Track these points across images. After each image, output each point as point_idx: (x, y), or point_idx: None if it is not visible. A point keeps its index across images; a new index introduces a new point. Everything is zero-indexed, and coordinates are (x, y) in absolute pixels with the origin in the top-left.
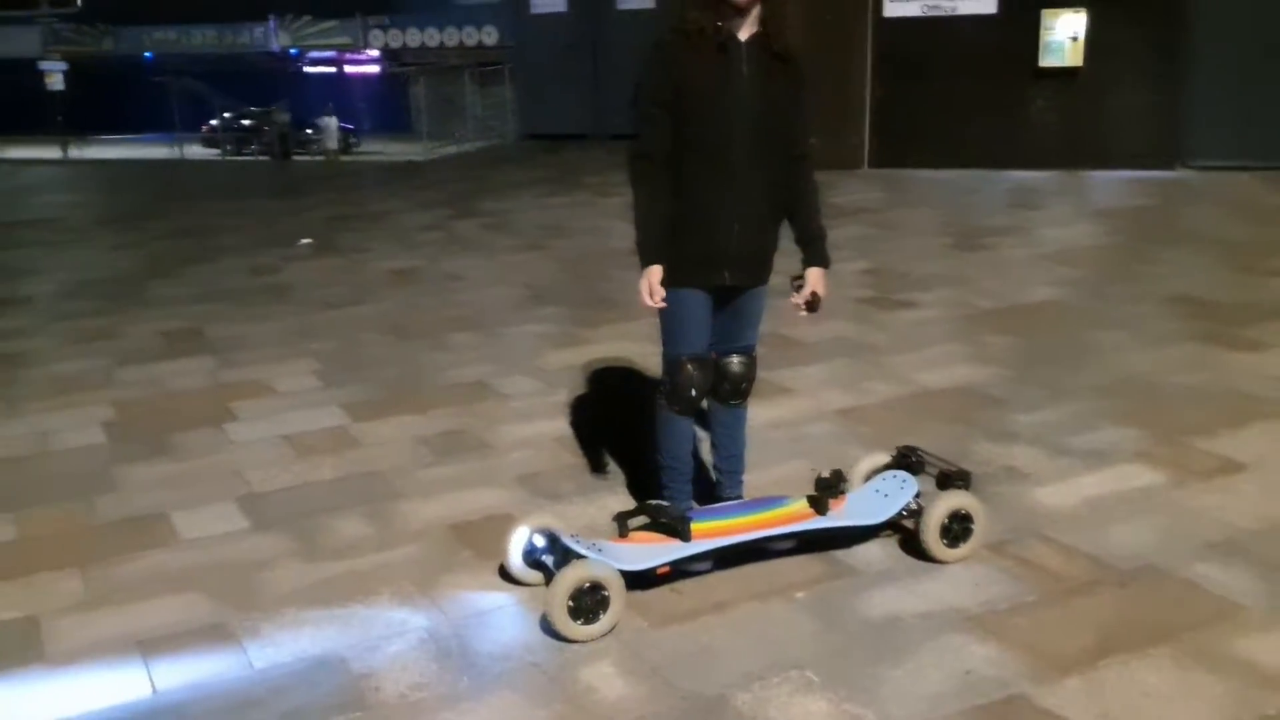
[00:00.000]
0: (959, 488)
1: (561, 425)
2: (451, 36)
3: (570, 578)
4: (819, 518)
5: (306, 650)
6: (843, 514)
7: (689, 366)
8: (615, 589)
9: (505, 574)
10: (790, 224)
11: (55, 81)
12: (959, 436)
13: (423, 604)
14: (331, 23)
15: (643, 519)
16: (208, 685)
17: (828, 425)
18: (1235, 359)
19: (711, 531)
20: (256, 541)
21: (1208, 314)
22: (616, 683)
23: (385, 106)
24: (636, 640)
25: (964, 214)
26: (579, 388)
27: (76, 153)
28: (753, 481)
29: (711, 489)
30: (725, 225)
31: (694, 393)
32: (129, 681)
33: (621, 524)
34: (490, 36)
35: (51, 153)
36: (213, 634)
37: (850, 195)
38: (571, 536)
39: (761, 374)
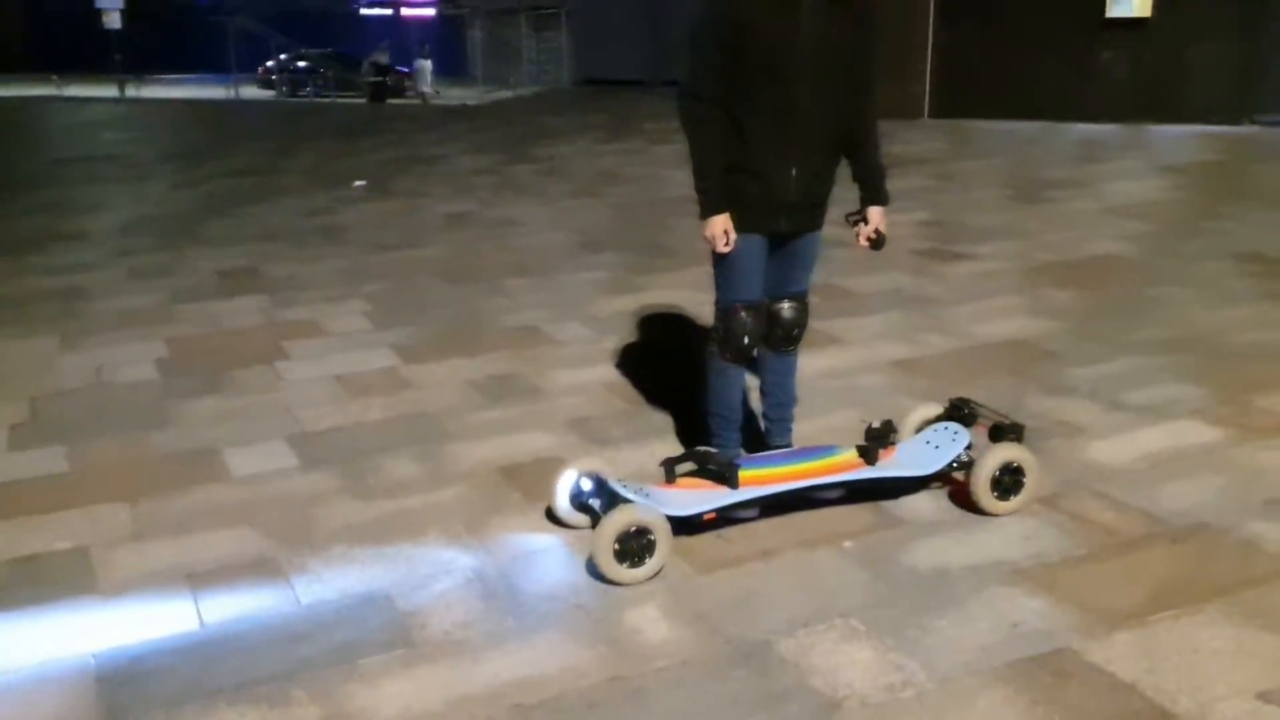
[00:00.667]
0: (1011, 440)
1: (612, 371)
2: None
3: (617, 521)
4: (868, 468)
5: (353, 587)
6: (892, 464)
7: (743, 313)
8: (661, 534)
9: (552, 516)
10: (850, 162)
11: (112, 20)
12: (1013, 390)
13: (470, 544)
14: None
15: (690, 465)
16: (254, 619)
17: (880, 376)
18: None
19: (759, 479)
20: (306, 479)
21: (1274, 272)
22: (661, 626)
23: (441, 50)
24: (682, 585)
25: (1026, 166)
26: (631, 335)
27: (133, 92)
28: (802, 430)
29: (760, 437)
30: (784, 171)
31: (747, 340)
32: (178, 614)
33: (669, 470)
34: None
35: (109, 91)
36: (261, 569)
37: (910, 145)
38: (619, 481)
39: (814, 324)
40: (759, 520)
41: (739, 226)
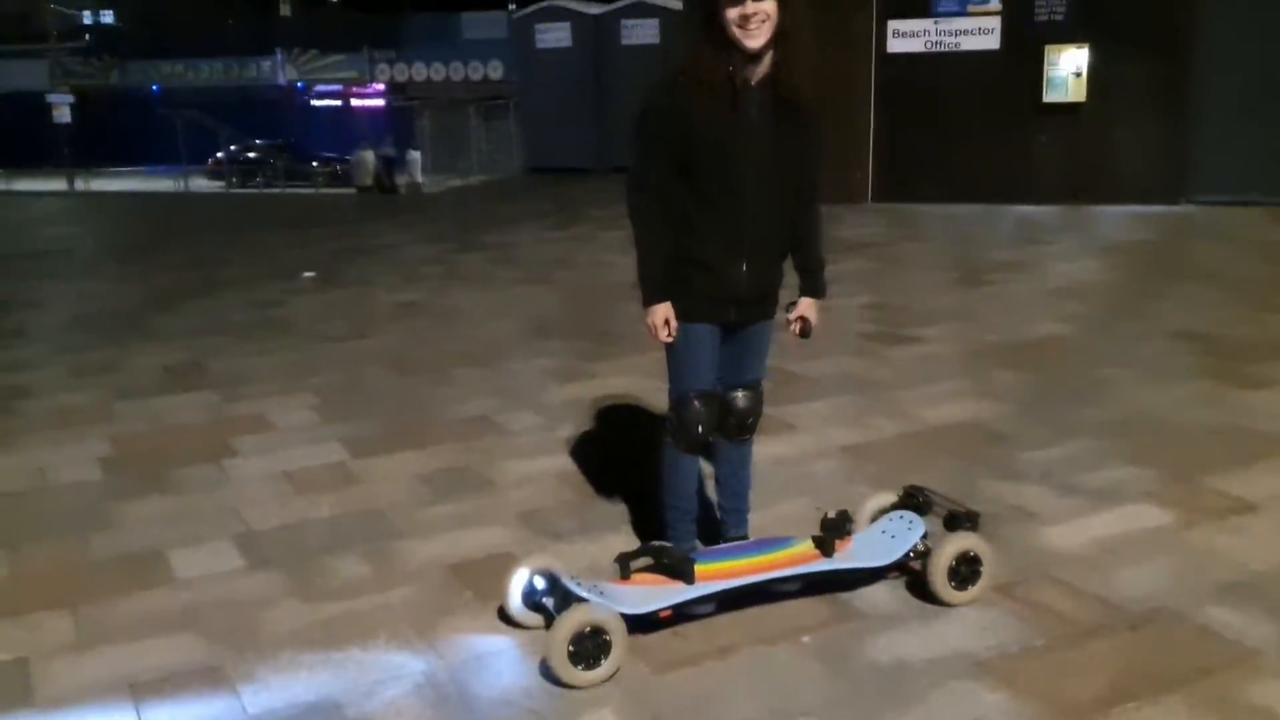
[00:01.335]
0: (967, 528)
1: (564, 461)
2: (457, 71)
3: (571, 622)
4: (825, 559)
5: (301, 695)
6: (849, 555)
7: (696, 403)
8: (617, 633)
9: (505, 616)
10: (793, 253)
11: (62, 114)
12: (965, 474)
13: (420, 647)
14: (339, 57)
15: (645, 560)
16: None
17: (833, 462)
18: (1244, 396)
19: (716, 574)
20: (253, 581)
21: (1216, 351)
22: None
23: (391, 140)
24: (638, 686)
25: (968, 248)
26: (583, 423)
27: (83, 185)
28: (757, 521)
29: (716, 528)
30: (734, 265)
31: (701, 429)
32: None
33: (624, 565)
34: (496, 71)
35: (58, 185)
36: (207, 677)
37: (854, 229)
38: (572, 578)
39: (766, 409)
40: (716, 615)
41: (689, 316)
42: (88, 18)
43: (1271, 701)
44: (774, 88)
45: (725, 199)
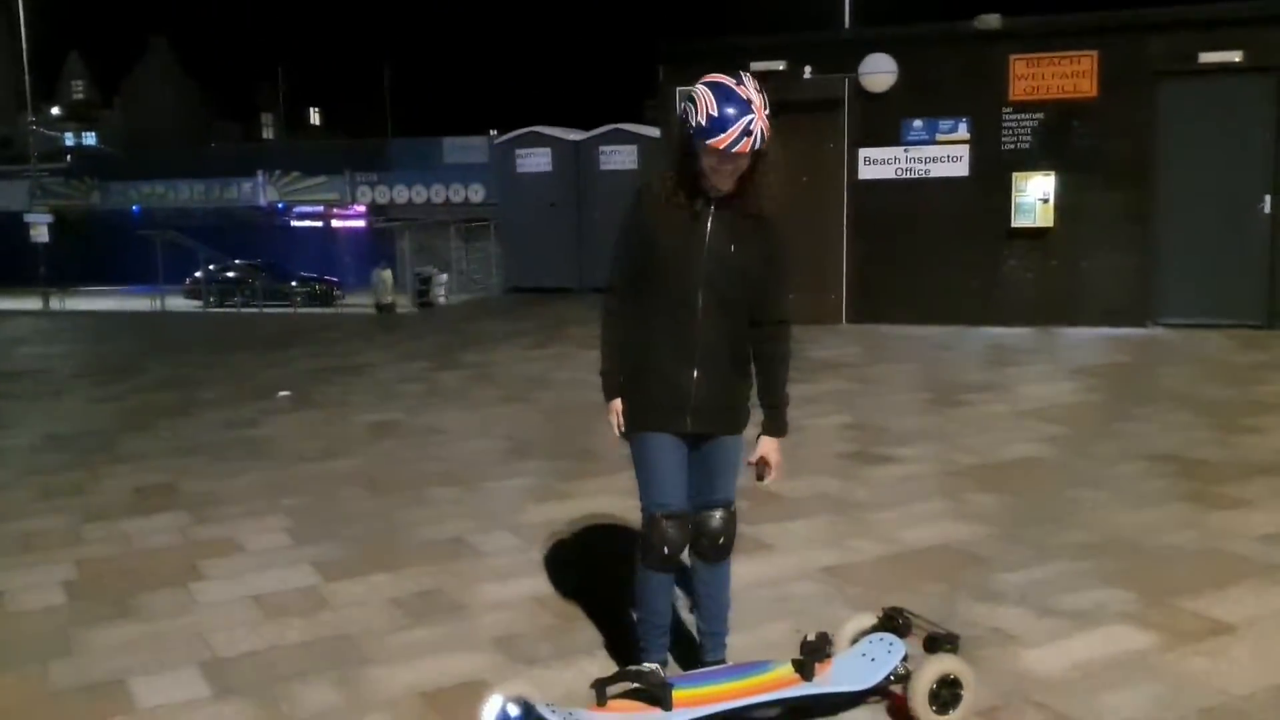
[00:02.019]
0: (947, 651)
1: (541, 584)
2: (439, 193)
3: None
4: (805, 684)
5: None
6: (829, 679)
7: (665, 523)
8: None
9: None
10: (756, 385)
11: (40, 234)
12: (944, 596)
13: None
14: (320, 178)
15: (623, 686)
16: None
17: (812, 585)
18: (1218, 518)
19: (694, 699)
20: (217, 710)
21: (1189, 472)
22: None
23: (371, 260)
24: None
25: (942, 370)
26: (559, 544)
27: (58, 304)
28: (736, 642)
29: (695, 651)
30: (685, 373)
31: (668, 550)
32: None
33: (600, 691)
34: (476, 194)
35: (34, 304)
36: None
37: (829, 350)
38: (548, 705)
39: (743, 529)
40: None
41: (647, 424)
42: (70, 140)
43: None
44: (740, 202)
45: (679, 309)
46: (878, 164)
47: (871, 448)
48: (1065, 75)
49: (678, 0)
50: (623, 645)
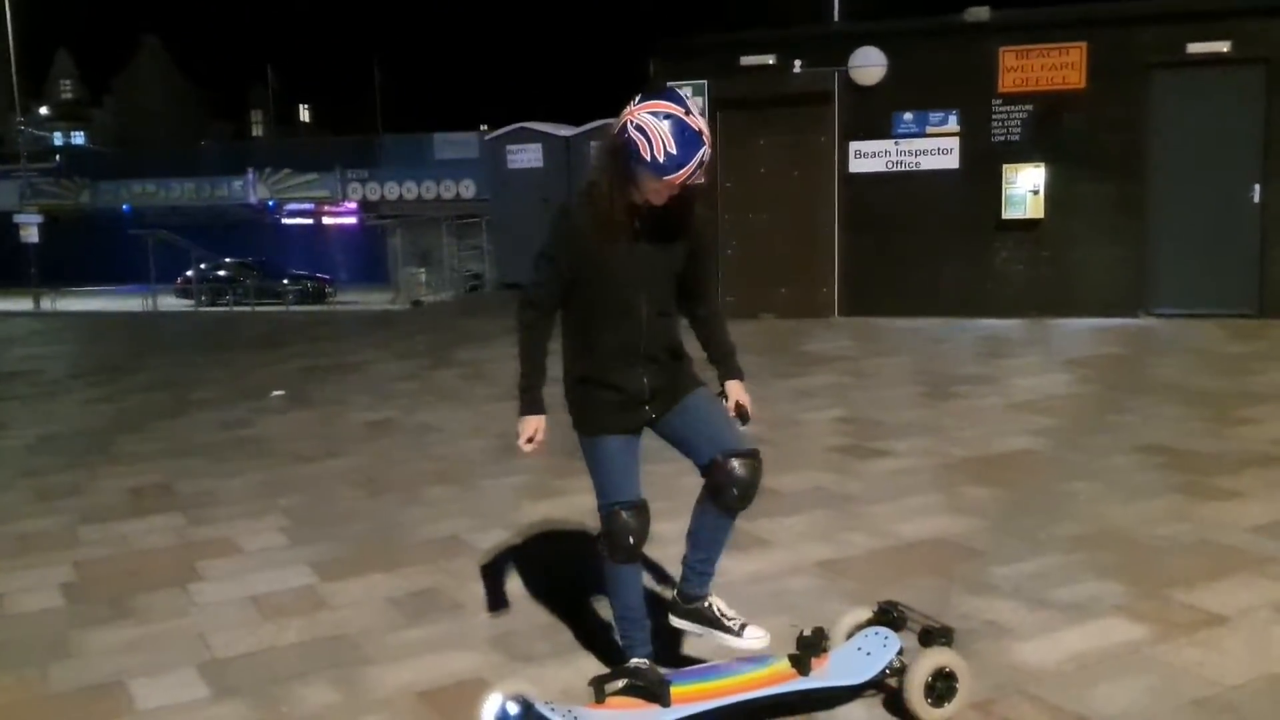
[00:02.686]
0: (942, 644)
1: (537, 581)
2: (430, 190)
3: None
4: (801, 678)
5: None
6: (825, 673)
7: (623, 515)
8: None
9: None
10: (703, 348)
11: (30, 234)
12: (939, 590)
13: None
14: (311, 176)
15: (621, 682)
16: None
17: (807, 579)
18: (1211, 509)
19: (692, 695)
20: (216, 710)
21: (1182, 464)
22: None
23: (363, 257)
24: None
25: (935, 362)
26: (554, 541)
27: (49, 305)
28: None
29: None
30: (635, 378)
31: (631, 541)
32: None
33: (598, 689)
34: (468, 190)
35: (25, 305)
36: None
37: (822, 344)
38: (546, 703)
39: (738, 523)
40: None
41: (603, 430)
42: (59, 139)
43: None
44: (664, 210)
45: (623, 320)
46: (868, 157)
47: (865, 441)
48: (1054, 67)
49: None
50: (619, 643)
